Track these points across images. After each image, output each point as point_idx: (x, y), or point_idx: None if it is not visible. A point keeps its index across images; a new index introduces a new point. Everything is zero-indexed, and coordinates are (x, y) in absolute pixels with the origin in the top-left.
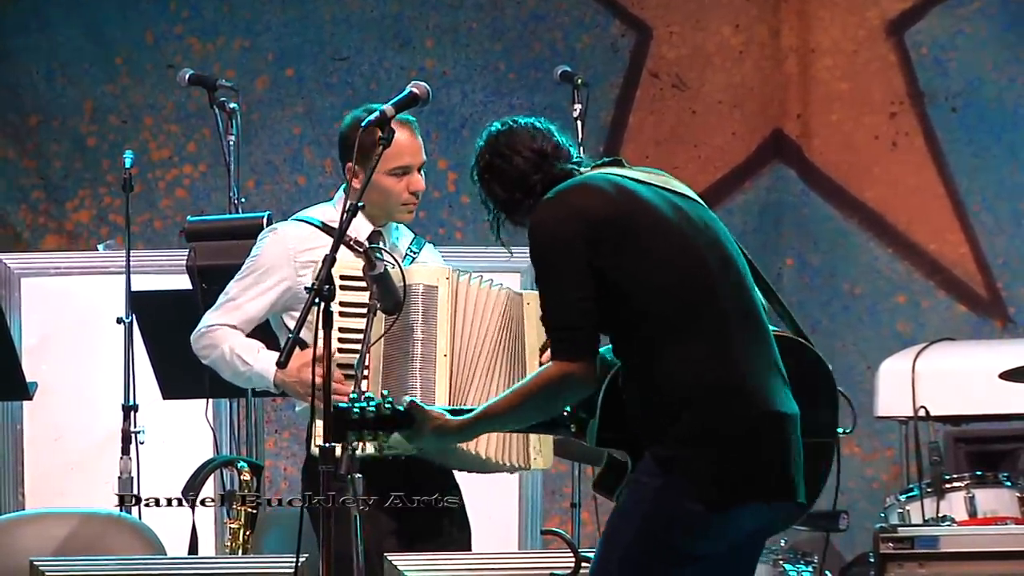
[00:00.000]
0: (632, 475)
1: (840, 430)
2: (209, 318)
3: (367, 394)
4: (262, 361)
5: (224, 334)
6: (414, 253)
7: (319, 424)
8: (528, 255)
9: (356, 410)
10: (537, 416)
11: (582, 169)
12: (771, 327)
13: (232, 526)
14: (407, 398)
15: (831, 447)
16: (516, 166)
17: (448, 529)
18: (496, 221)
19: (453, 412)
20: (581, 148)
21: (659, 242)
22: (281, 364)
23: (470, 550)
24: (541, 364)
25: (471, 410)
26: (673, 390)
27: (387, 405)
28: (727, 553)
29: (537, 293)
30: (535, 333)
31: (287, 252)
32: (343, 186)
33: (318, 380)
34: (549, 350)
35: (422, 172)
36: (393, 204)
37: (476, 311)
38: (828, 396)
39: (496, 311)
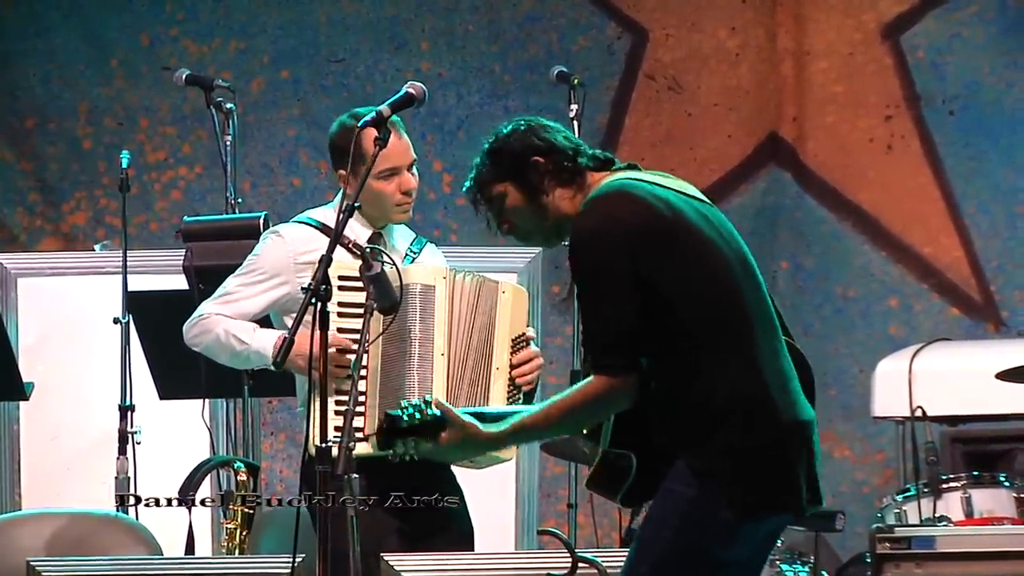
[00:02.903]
0: (665, 483)
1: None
2: (202, 307)
3: (414, 401)
4: (259, 339)
5: (217, 319)
6: (414, 253)
7: (316, 424)
8: (522, 255)
9: (405, 417)
10: (576, 430)
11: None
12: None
13: (229, 526)
14: (435, 398)
15: None
16: (563, 144)
17: (450, 528)
18: (490, 207)
19: (476, 416)
20: None
21: (697, 252)
22: (277, 365)
23: (473, 549)
24: (512, 363)
25: (499, 415)
26: (711, 402)
27: (431, 412)
28: (748, 557)
29: (516, 286)
30: (507, 325)
31: (287, 255)
32: (342, 190)
33: (317, 376)
34: (586, 364)
35: (414, 171)
36: (387, 206)
37: (472, 309)
38: (811, 398)
39: (474, 303)
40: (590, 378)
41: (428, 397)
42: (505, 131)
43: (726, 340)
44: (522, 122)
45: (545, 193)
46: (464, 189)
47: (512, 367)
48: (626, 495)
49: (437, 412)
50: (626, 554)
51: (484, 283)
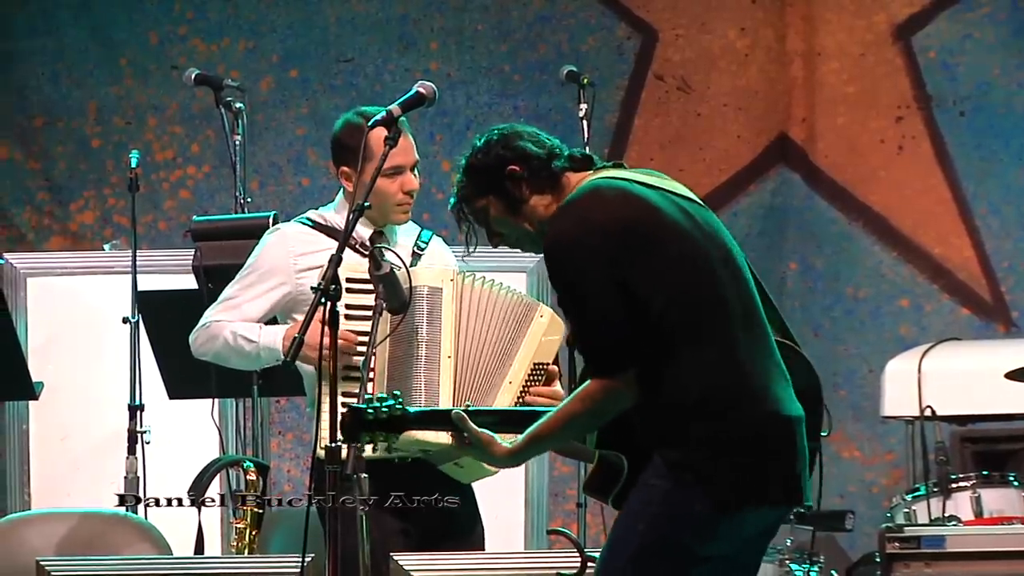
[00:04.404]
0: (641, 477)
1: (824, 432)
2: (205, 316)
3: (379, 395)
4: (267, 335)
5: (222, 325)
6: (420, 249)
7: (325, 423)
8: (530, 255)
9: (370, 410)
10: (582, 434)
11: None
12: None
13: (238, 526)
14: (461, 407)
15: (817, 450)
16: (535, 151)
17: (458, 529)
18: (478, 222)
19: (468, 412)
20: (587, 148)
21: (672, 249)
22: (287, 365)
23: (483, 549)
24: (526, 384)
25: (485, 411)
26: (684, 395)
27: (398, 406)
28: (733, 554)
29: (555, 316)
30: (533, 347)
31: (287, 254)
32: (342, 189)
33: (327, 365)
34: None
35: (416, 172)
36: (388, 205)
37: (480, 313)
38: (816, 403)
39: (499, 313)
40: (588, 382)
41: (397, 392)
42: (478, 144)
43: (702, 335)
44: (495, 132)
45: (524, 201)
46: (450, 208)
47: (525, 387)
48: (617, 497)
49: (409, 409)
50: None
51: (520, 300)
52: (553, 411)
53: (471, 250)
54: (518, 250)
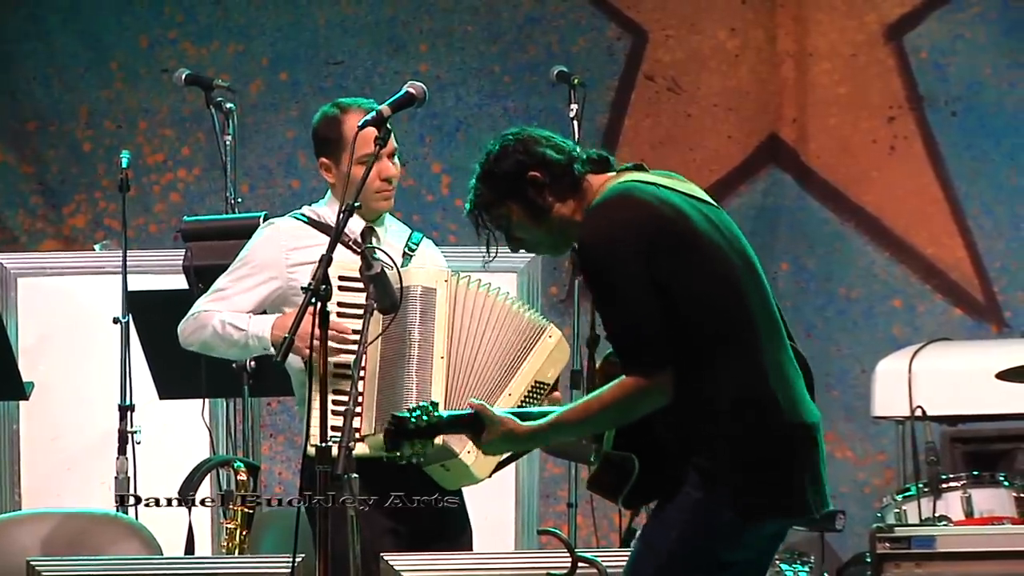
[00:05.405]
0: (679, 487)
1: None
2: (196, 306)
3: (421, 403)
4: (256, 324)
5: (211, 314)
6: (411, 251)
7: (315, 422)
8: (521, 255)
9: (412, 419)
10: (610, 427)
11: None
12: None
13: (228, 526)
14: (473, 400)
15: None
16: (555, 157)
17: (448, 530)
18: (499, 228)
19: (520, 417)
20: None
21: (702, 256)
22: (277, 364)
23: (472, 549)
24: (526, 399)
25: (538, 414)
26: (716, 404)
27: (436, 414)
28: (754, 557)
29: (563, 339)
30: (538, 364)
31: (279, 248)
32: (329, 184)
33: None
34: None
35: (395, 160)
36: (367, 193)
37: (475, 315)
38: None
39: (497, 318)
40: (623, 377)
41: (435, 400)
42: (495, 150)
43: (731, 343)
44: (511, 137)
45: (548, 207)
46: (465, 214)
47: (523, 403)
48: (628, 497)
49: (443, 415)
50: (627, 554)
51: (532, 318)
52: (582, 400)
53: (492, 255)
54: (505, 250)
